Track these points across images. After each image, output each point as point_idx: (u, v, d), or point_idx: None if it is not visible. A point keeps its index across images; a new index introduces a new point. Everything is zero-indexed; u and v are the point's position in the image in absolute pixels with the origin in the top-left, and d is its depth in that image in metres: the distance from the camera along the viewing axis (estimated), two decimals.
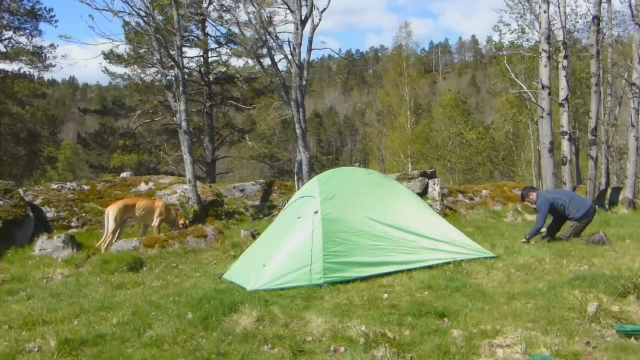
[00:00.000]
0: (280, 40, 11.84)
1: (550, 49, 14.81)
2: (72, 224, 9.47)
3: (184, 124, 10.41)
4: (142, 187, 11.13)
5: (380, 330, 4.04)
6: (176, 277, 6.48)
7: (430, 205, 9.14)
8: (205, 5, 17.95)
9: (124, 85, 23.28)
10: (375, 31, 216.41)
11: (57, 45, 28.31)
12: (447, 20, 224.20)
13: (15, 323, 4.56)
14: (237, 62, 30.42)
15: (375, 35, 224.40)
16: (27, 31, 23.54)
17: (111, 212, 8.27)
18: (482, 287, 5.27)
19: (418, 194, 10.48)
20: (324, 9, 11.60)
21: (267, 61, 12.61)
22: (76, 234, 8.73)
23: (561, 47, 14.56)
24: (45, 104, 32.97)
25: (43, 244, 7.80)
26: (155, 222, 8.71)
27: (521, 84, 17.73)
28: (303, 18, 11.29)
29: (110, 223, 8.23)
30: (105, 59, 19.88)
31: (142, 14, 10.14)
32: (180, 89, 10.41)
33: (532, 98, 16.61)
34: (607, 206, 14.80)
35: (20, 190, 9.59)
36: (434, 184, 11.46)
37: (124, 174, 12.66)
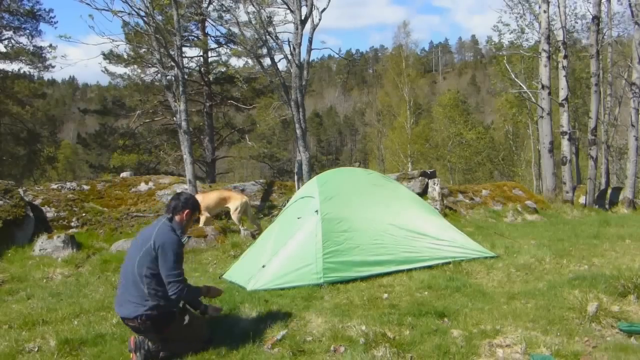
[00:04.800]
0: (280, 40, 11.85)
1: (550, 49, 14.83)
2: (72, 224, 9.46)
3: (184, 124, 10.41)
4: (142, 187, 11.13)
5: (380, 330, 4.05)
6: None
7: (430, 205, 9.13)
8: (205, 5, 17.94)
9: (124, 85, 23.28)
10: (378, 28, 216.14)
11: (57, 46, 28.34)
12: (453, 17, 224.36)
13: (15, 323, 4.55)
14: (237, 62, 30.42)
15: (378, 33, 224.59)
16: (27, 31, 23.62)
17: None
18: (482, 287, 5.27)
19: (418, 194, 10.47)
20: (324, 9, 11.61)
21: (267, 61, 12.62)
22: (76, 234, 8.72)
23: (561, 47, 14.57)
24: (45, 104, 32.95)
25: (43, 244, 7.79)
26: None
27: (521, 84, 17.75)
28: (303, 18, 11.29)
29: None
30: (105, 59, 19.90)
31: (142, 14, 10.14)
32: (180, 89, 10.41)
33: (532, 98, 16.62)
34: (607, 206, 14.81)
35: (20, 190, 9.57)
36: (434, 184, 11.45)
37: (124, 174, 12.66)
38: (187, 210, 3.91)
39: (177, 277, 3.64)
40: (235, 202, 9.08)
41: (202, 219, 8.94)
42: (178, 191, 10.83)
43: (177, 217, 3.89)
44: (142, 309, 3.56)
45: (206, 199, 9.08)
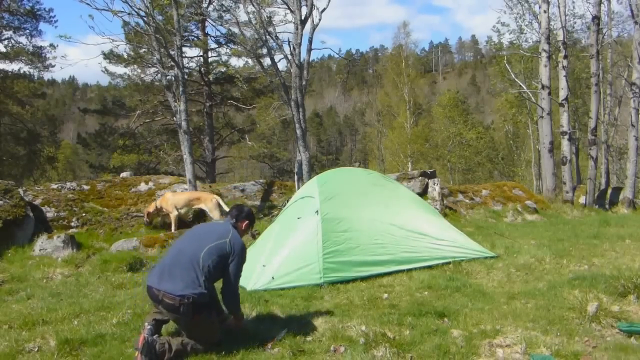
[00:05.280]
0: (280, 40, 11.82)
1: (550, 49, 14.83)
2: (72, 224, 9.46)
3: (184, 124, 10.41)
4: (142, 187, 11.12)
5: (380, 330, 4.05)
6: None
7: (430, 205, 9.14)
8: (205, 5, 17.92)
9: (123, 85, 23.27)
10: (378, 28, 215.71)
11: (57, 46, 28.31)
12: (453, 17, 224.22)
13: (15, 323, 4.55)
14: (237, 62, 30.42)
15: (378, 33, 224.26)
16: (27, 31, 23.57)
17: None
18: (482, 287, 5.28)
19: (418, 194, 10.46)
20: (324, 9, 11.58)
21: (267, 61, 12.60)
22: (76, 234, 8.71)
23: (561, 47, 14.57)
24: (45, 104, 32.98)
25: (43, 244, 7.78)
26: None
27: (521, 84, 17.76)
28: (303, 18, 11.28)
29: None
30: (105, 59, 19.86)
31: (142, 14, 10.13)
32: (180, 89, 10.41)
33: (532, 98, 16.64)
34: (607, 206, 14.81)
35: (20, 190, 9.56)
36: (434, 184, 11.44)
37: (124, 174, 12.65)
38: (246, 222, 4.29)
39: (239, 279, 4.04)
40: (207, 204, 9.36)
41: (172, 216, 9.30)
42: (178, 191, 10.84)
43: (237, 224, 4.22)
44: (191, 290, 3.72)
45: (175, 197, 9.52)
